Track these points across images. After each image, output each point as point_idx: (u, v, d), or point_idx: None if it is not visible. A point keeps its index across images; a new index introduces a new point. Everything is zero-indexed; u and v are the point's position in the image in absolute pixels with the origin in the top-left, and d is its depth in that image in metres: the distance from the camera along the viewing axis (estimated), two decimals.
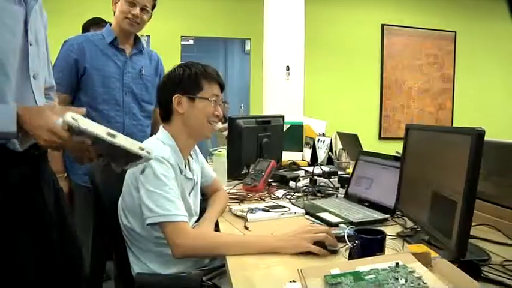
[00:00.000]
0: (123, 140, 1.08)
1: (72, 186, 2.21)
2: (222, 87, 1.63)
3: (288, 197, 1.98)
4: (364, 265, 0.87)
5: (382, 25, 6.63)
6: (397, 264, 0.86)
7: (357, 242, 1.07)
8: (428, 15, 6.77)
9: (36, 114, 1.06)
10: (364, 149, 2.60)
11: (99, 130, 1.06)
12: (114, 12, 2.27)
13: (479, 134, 1.01)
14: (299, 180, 2.21)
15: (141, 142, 1.24)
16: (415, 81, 6.85)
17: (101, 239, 1.68)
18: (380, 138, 6.73)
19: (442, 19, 6.81)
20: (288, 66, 4.63)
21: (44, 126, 1.03)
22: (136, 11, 2.20)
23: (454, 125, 6.62)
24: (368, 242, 1.06)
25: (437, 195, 1.21)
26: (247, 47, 6.91)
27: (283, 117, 2.74)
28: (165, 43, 5.49)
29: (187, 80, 1.57)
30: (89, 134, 1.05)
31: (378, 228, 1.15)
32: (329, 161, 2.98)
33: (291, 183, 2.20)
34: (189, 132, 1.59)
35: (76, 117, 1.02)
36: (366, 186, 1.84)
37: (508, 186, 1.40)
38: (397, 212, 1.60)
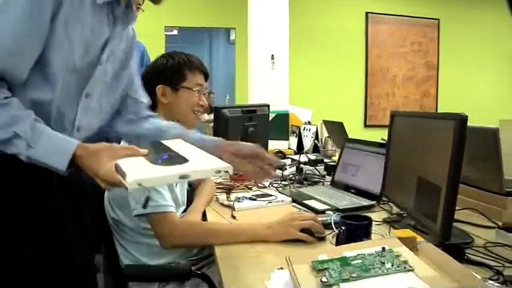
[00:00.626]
0: (197, 175, 0.97)
1: None
2: (206, 76, 1.62)
3: (275, 185, 1.99)
4: (350, 250, 0.88)
5: (367, 13, 6.64)
6: (383, 248, 0.87)
7: (343, 228, 1.08)
8: (412, 3, 6.81)
9: (92, 157, 0.98)
10: (350, 136, 2.62)
11: (172, 179, 0.97)
12: None
13: (462, 119, 1.02)
14: (285, 168, 2.22)
15: None
16: (400, 68, 6.90)
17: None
18: (365, 125, 6.79)
19: (425, 6, 6.85)
20: (273, 55, 4.62)
21: (101, 177, 0.96)
22: None
23: (439, 111, 6.70)
24: (354, 228, 1.07)
25: (422, 181, 1.22)
26: (232, 37, 6.88)
27: (268, 106, 2.73)
28: (148, 34, 5.39)
29: (171, 70, 1.56)
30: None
31: (364, 214, 1.16)
32: (315, 149, 2.99)
33: (278, 172, 2.20)
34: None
35: (142, 182, 0.87)
36: (352, 173, 1.85)
37: (490, 171, 1.42)
38: (383, 198, 1.62)
